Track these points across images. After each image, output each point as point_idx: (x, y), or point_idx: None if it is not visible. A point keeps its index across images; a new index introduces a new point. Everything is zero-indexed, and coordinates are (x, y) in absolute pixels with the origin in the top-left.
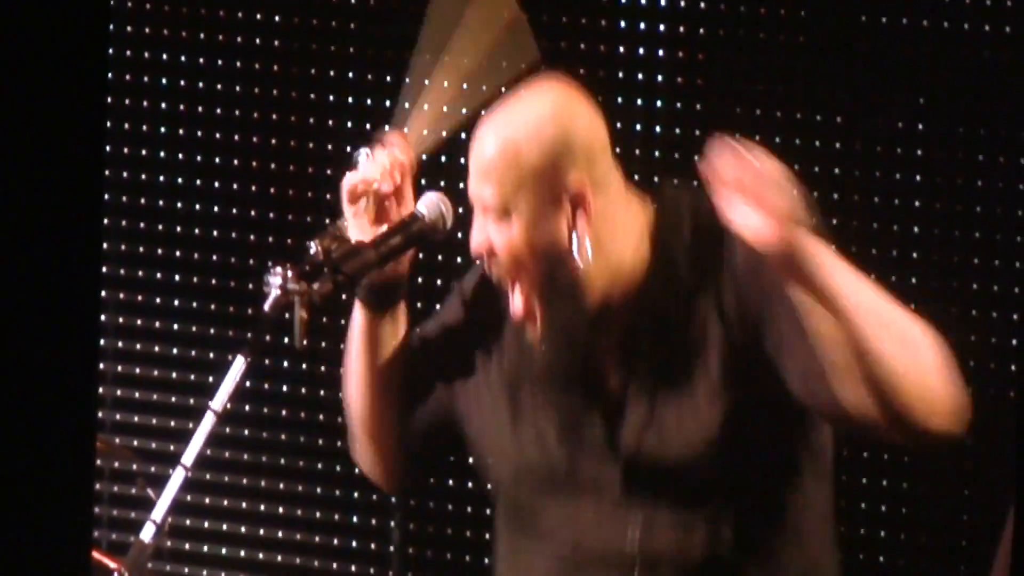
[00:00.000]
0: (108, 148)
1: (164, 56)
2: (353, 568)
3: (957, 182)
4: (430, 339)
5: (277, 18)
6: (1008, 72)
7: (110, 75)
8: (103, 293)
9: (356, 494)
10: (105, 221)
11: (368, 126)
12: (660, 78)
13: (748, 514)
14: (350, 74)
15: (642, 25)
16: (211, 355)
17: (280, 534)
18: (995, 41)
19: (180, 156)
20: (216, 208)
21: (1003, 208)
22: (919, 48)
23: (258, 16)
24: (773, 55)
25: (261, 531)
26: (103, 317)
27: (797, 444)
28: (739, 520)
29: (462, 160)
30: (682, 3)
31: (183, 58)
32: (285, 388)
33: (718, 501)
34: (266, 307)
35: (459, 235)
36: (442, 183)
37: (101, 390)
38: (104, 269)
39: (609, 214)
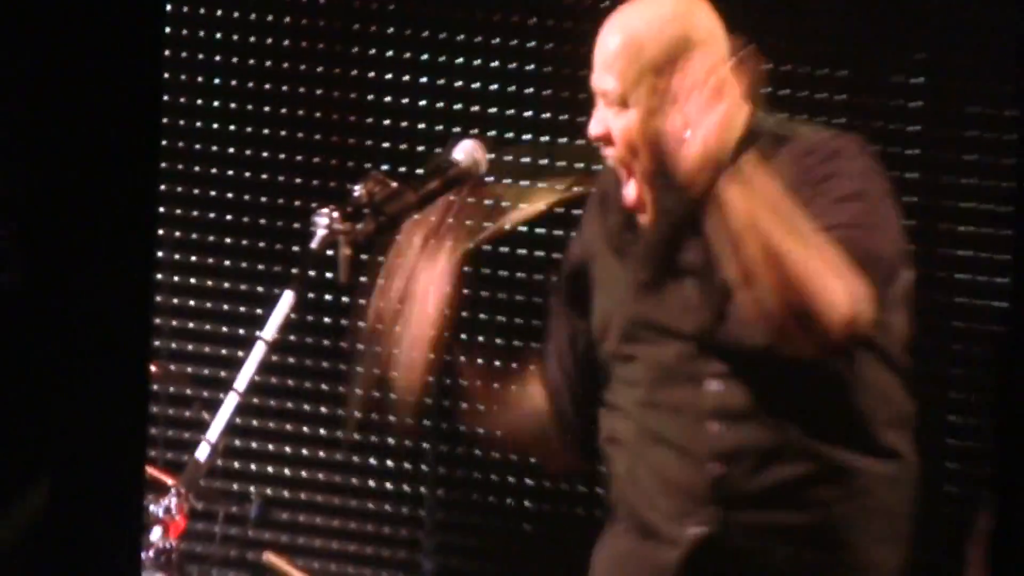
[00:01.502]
0: (165, 97)
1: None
2: (388, 485)
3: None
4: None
5: None
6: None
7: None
8: (160, 231)
9: (390, 416)
10: (162, 165)
11: (407, 77)
12: None
13: (802, 380)
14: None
15: None
16: (261, 289)
17: (321, 453)
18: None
19: (234, 106)
20: (266, 153)
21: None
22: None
23: None
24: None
25: (304, 451)
26: (161, 254)
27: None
28: (792, 383)
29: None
30: None
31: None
32: (328, 320)
33: (773, 371)
34: (313, 245)
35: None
36: (477, 131)
37: (170, 322)
38: (161, 209)
39: (720, 114)
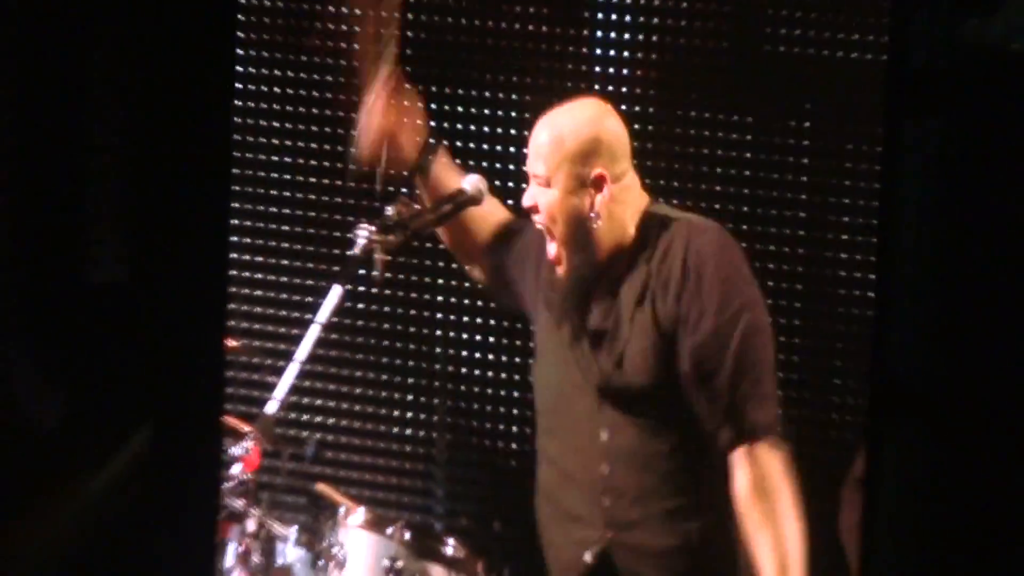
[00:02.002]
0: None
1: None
2: (407, 431)
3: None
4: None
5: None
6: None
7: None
8: (240, 239)
9: (412, 380)
10: (235, 193)
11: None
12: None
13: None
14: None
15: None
16: (317, 284)
17: (358, 408)
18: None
19: (305, 147)
20: (325, 180)
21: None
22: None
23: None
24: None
25: (346, 406)
26: (234, 255)
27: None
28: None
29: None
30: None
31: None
32: (366, 307)
33: (664, 428)
34: (355, 251)
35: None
36: (483, 165)
37: (253, 308)
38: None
39: (619, 199)
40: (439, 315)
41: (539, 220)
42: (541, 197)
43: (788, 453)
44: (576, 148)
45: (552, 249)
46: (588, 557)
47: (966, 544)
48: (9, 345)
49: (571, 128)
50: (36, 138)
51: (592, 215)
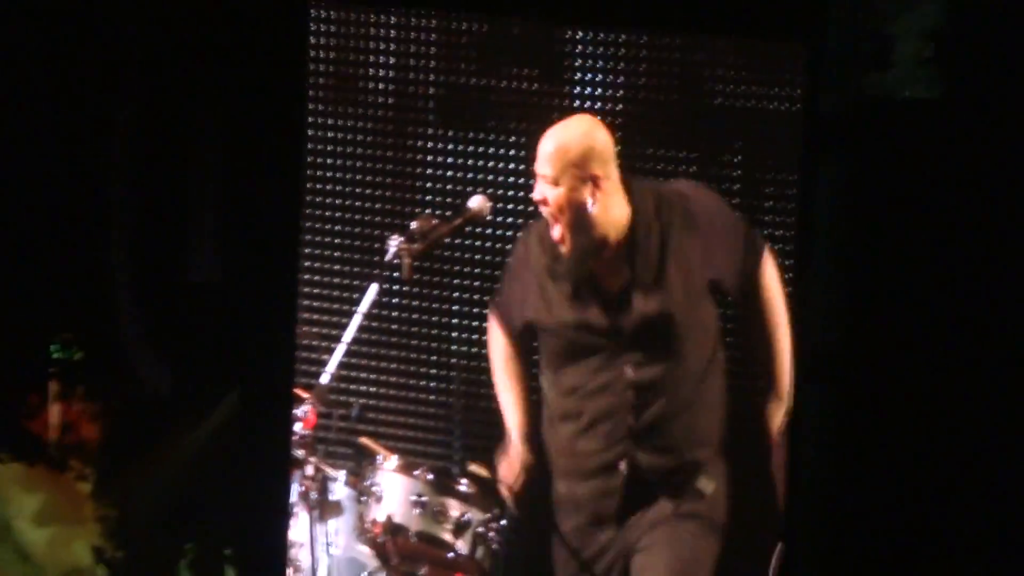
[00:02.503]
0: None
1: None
2: (430, 397)
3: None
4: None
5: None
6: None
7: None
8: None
9: (434, 356)
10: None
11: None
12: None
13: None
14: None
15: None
16: (356, 283)
17: (392, 379)
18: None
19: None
20: (357, 203)
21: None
22: None
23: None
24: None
25: (383, 378)
26: (304, 263)
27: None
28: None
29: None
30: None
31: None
32: (397, 300)
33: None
34: (388, 257)
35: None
36: (488, 191)
37: (311, 303)
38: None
39: (609, 192)
40: (455, 306)
41: (546, 211)
42: (549, 193)
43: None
44: (576, 154)
45: (557, 232)
46: (622, 466)
47: (867, 476)
48: (130, 331)
49: (571, 139)
50: (151, 175)
51: (590, 205)
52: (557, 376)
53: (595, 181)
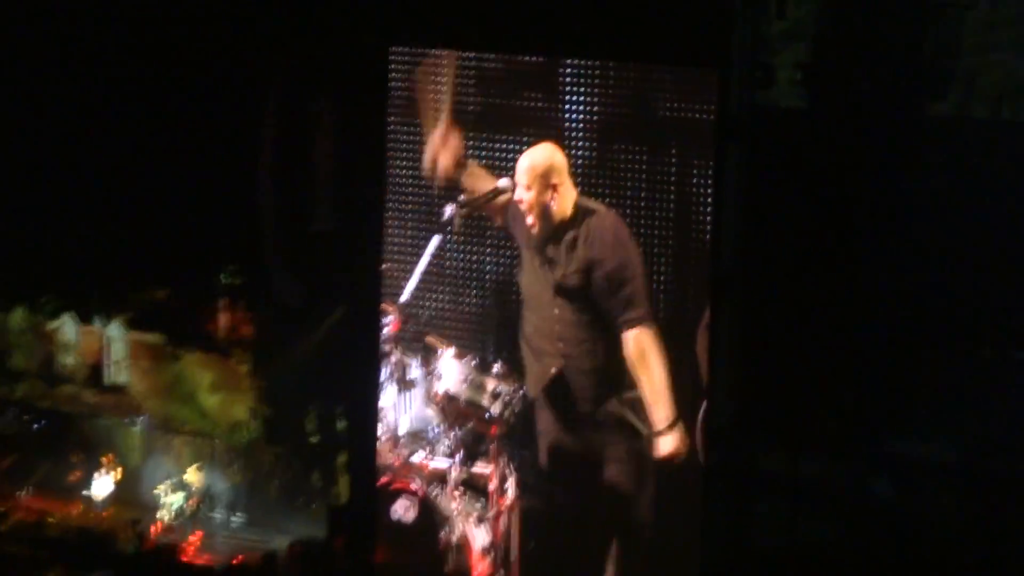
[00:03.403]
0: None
1: None
2: (477, 310)
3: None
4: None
5: None
6: None
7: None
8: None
9: (475, 281)
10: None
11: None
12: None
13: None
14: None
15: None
16: (424, 235)
17: (454, 296)
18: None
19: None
20: (424, 181)
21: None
22: None
23: None
24: None
25: (441, 295)
26: (389, 220)
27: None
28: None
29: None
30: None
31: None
32: (451, 246)
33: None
34: (445, 217)
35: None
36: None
37: (393, 246)
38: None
39: (564, 195)
40: (488, 249)
41: (523, 207)
42: (524, 195)
43: (655, 331)
44: (542, 169)
45: (530, 219)
46: (553, 370)
47: (770, 370)
48: (274, 263)
49: (539, 159)
50: (288, 154)
51: (551, 203)
52: (525, 301)
53: (555, 188)
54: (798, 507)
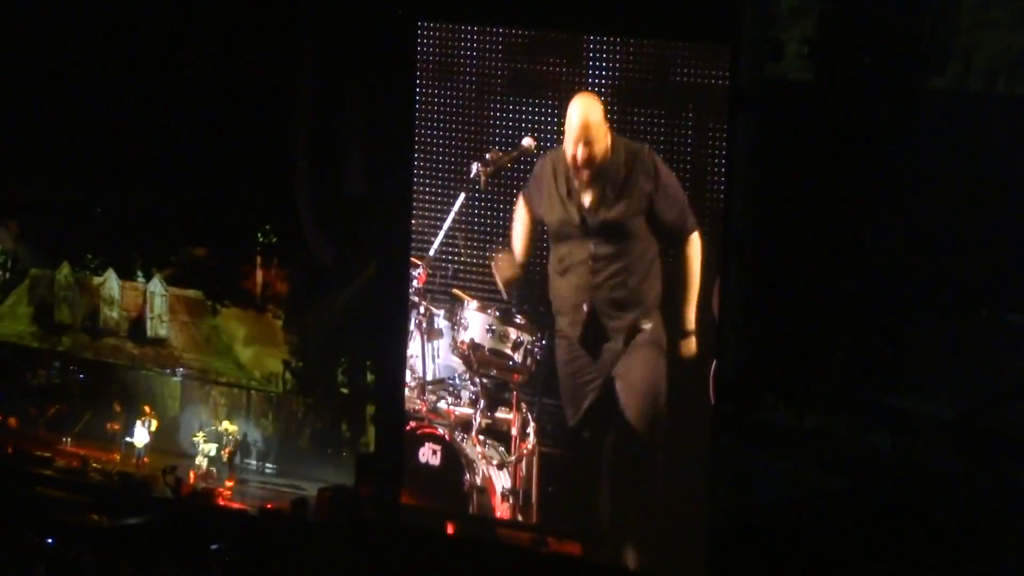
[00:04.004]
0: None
1: None
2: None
3: None
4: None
5: None
6: None
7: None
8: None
9: (500, 235)
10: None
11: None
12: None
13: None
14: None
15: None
16: (451, 192)
17: (477, 251)
18: None
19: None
20: (452, 141)
21: None
22: None
23: None
24: None
25: (466, 249)
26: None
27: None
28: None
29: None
30: None
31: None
32: (476, 203)
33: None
34: (471, 175)
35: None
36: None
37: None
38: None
39: (611, 139)
40: (510, 207)
41: (579, 160)
42: (584, 148)
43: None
44: (595, 119)
45: (584, 173)
46: (585, 307)
47: (776, 328)
48: (308, 224)
49: (583, 109)
50: (321, 124)
51: (600, 148)
52: (554, 247)
53: (603, 134)
54: (801, 458)
